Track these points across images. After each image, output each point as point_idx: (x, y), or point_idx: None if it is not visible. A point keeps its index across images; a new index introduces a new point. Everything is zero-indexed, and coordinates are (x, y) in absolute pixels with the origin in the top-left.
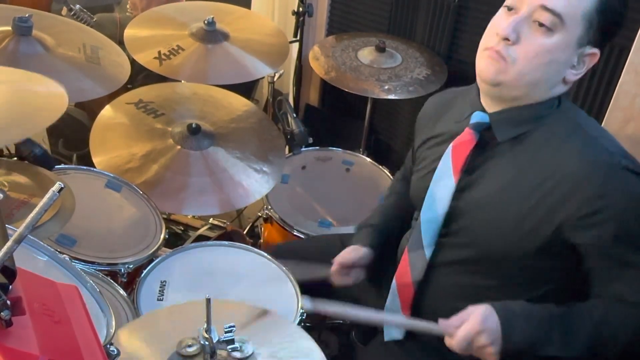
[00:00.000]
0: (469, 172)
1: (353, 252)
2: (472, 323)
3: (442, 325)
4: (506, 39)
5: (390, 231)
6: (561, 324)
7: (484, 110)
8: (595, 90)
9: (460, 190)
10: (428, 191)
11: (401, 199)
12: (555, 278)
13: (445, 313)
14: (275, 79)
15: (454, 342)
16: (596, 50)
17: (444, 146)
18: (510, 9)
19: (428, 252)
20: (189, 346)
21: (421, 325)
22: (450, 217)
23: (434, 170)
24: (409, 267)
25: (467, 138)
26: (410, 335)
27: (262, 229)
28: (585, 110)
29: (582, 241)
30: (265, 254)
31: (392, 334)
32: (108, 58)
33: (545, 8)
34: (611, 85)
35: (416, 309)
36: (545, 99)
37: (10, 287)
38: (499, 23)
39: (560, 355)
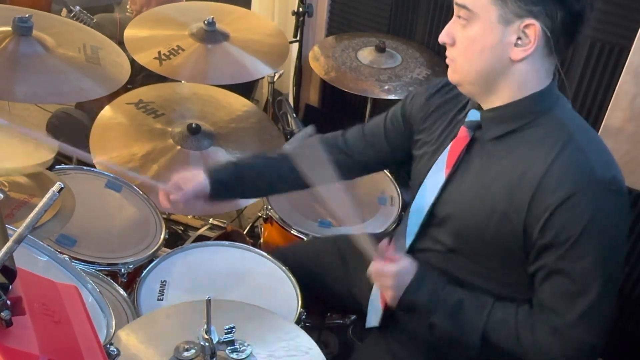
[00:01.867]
0: (459, 168)
1: (190, 175)
2: (390, 267)
3: (379, 249)
4: (445, 43)
5: (245, 169)
6: (459, 311)
7: (479, 108)
8: (595, 90)
9: (448, 185)
10: (422, 184)
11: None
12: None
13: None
14: (275, 79)
15: (372, 267)
16: (531, 21)
17: (444, 139)
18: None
19: (409, 240)
20: (187, 350)
21: (362, 241)
22: (436, 209)
23: (432, 162)
24: None
25: (462, 135)
26: (387, 323)
27: (262, 229)
28: (585, 110)
29: (535, 244)
30: (265, 254)
31: (371, 322)
32: (108, 58)
33: (457, 4)
34: (611, 85)
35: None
36: (531, 93)
37: (10, 287)
38: None
39: (451, 335)
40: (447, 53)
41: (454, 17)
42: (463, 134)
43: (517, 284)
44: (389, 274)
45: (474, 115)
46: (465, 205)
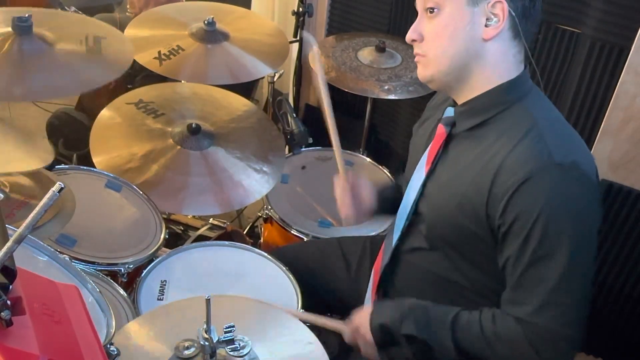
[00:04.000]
0: (437, 164)
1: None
2: (350, 331)
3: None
4: (414, 41)
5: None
6: (427, 317)
7: (454, 105)
8: (595, 90)
9: (427, 182)
10: (408, 184)
11: None
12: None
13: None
14: (275, 79)
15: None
16: None
17: (428, 140)
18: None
19: (395, 238)
20: (187, 348)
21: (329, 323)
22: (417, 207)
23: (417, 162)
24: (382, 254)
25: (439, 132)
26: None
27: (262, 229)
28: (585, 110)
29: (499, 232)
30: (266, 254)
31: None
32: (111, 46)
33: None
34: (611, 85)
35: (383, 295)
36: (502, 82)
37: (11, 287)
38: None
39: (427, 343)
40: (415, 51)
41: (420, 15)
42: (440, 131)
43: (497, 283)
44: (352, 327)
45: (449, 112)
46: (439, 199)
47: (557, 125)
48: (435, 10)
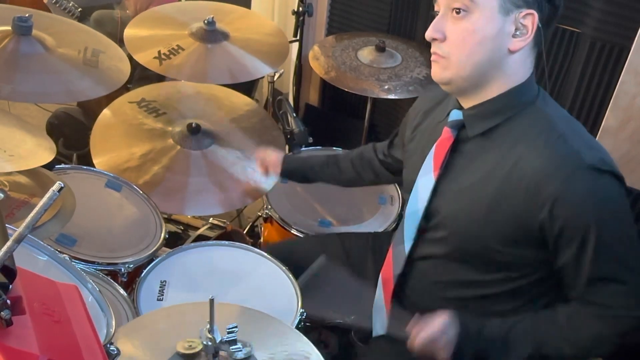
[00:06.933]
0: (447, 169)
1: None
2: (435, 326)
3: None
4: (434, 39)
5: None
6: (506, 342)
7: (460, 108)
8: (595, 90)
9: (438, 187)
10: (413, 188)
11: (343, 158)
12: (534, 271)
13: (424, 306)
14: (275, 78)
15: (415, 341)
16: (529, 10)
17: (429, 143)
18: (437, 13)
19: (407, 246)
20: (189, 348)
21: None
22: (429, 212)
23: (420, 166)
24: (392, 261)
25: (446, 136)
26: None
27: (262, 228)
28: (585, 110)
29: (548, 239)
30: (265, 254)
31: (377, 330)
32: (109, 62)
33: None
34: (611, 85)
35: (397, 302)
36: (512, 87)
37: (10, 286)
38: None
39: None
40: (434, 50)
41: (443, 12)
42: (447, 134)
43: (515, 290)
44: (434, 336)
45: (456, 115)
46: (459, 205)
47: (572, 124)
48: (462, 11)
